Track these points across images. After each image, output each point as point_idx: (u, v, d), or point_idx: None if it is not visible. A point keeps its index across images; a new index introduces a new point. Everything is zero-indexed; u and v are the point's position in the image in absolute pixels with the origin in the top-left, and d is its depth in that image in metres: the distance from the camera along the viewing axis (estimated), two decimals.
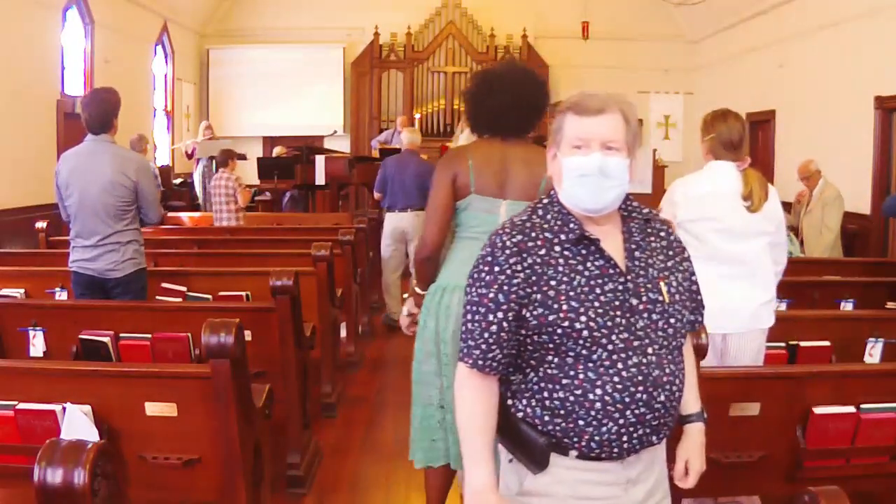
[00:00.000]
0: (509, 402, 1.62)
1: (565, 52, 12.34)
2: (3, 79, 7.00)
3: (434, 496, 2.72)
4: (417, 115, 12.26)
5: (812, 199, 6.11)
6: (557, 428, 1.55)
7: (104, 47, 8.96)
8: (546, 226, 1.61)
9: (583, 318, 1.53)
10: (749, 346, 2.84)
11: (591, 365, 1.53)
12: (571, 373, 1.54)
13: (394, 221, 6.21)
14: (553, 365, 1.55)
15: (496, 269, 1.58)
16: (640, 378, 1.53)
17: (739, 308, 2.82)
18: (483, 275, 1.59)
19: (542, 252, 1.57)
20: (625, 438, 1.54)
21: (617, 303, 1.55)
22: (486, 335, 1.57)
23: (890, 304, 4.13)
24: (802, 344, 3.15)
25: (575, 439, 1.55)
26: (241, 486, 2.42)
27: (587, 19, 11.48)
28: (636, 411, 1.53)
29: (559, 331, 1.53)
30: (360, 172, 9.49)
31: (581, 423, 1.54)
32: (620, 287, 1.56)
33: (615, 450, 1.55)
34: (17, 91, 7.22)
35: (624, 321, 1.54)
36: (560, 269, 1.56)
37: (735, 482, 2.52)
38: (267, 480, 2.74)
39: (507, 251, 1.58)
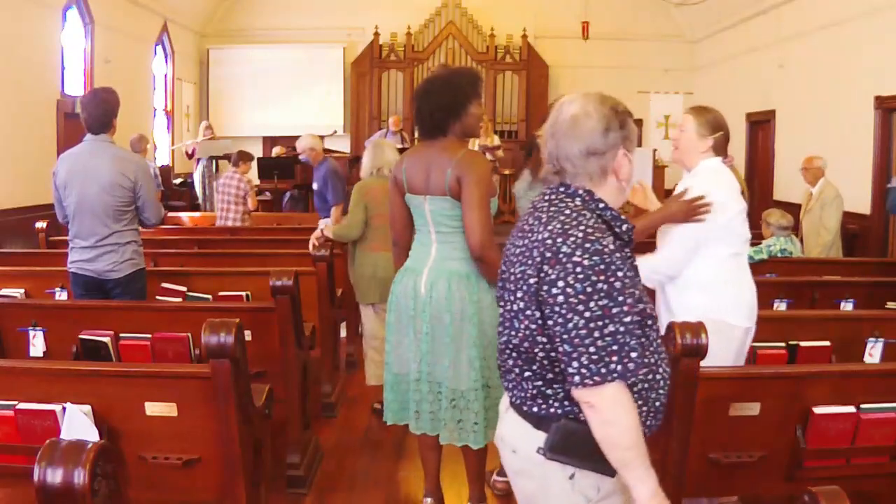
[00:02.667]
0: (566, 404, 1.59)
1: (565, 52, 12.34)
2: (3, 79, 7.01)
3: (427, 457, 3.01)
4: None
5: (812, 198, 6.11)
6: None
7: (104, 47, 8.96)
8: (601, 222, 1.61)
9: (650, 305, 1.65)
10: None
11: (651, 348, 1.64)
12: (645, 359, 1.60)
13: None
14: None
15: (618, 273, 1.52)
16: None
17: (746, 298, 2.86)
18: (606, 284, 1.50)
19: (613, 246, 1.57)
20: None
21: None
22: (635, 344, 1.51)
23: (890, 304, 4.13)
24: (802, 344, 3.14)
25: (647, 421, 1.63)
26: (241, 486, 2.42)
27: (587, 19, 11.48)
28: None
29: (649, 321, 1.64)
30: (360, 172, 9.48)
31: (650, 404, 1.64)
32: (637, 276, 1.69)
33: (659, 422, 1.70)
34: (17, 91, 7.22)
35: None
36: (623, 260, 1.58)
37: (735, 482, 2.52)
38: (267, 480, 2.74)
39: (615, 254, 1.54)
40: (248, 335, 2.96)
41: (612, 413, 1.51)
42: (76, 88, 8.51)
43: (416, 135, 3.64)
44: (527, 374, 1.62)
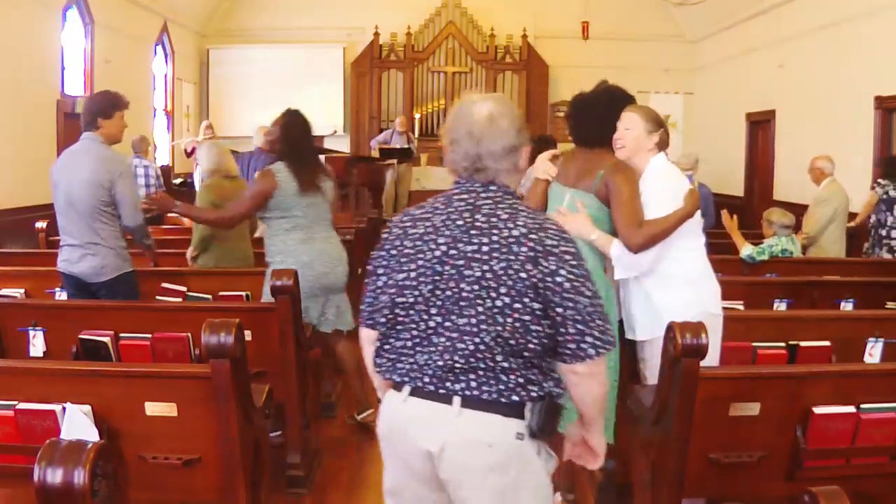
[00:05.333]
0: (546, 385, 1.70)
1: (565, 52, 12.34)
2: (3, 79, 7.00)
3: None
4: (417, 115, 12.27)
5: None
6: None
7: (104, 47, 8.96)
8: None
9: None
10: None
11: None
12: None
13: None
14: None
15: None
16: None
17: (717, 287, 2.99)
18: (585, 268, 1.74)
19: None
20: None
21: None
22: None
23: (890, 304, 4.13)
24: (802, 344, 3.14)
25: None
26: (241, 486, 2.42)
27: (587, 19, 11.48)
28: None
29: None
30: (360, 172, 9.50)
31: None
32: None
33: None
34: (17, 91, 7.22)
35: None
36: None
37: (735, 482, 2.52)
38: (267, 480, 2.74)
39: None
40: (248, 335, 2.96)
41: (603, 375, 1.75)
42: (76, 88, 8.51)
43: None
44: (508, 366, 1.66)
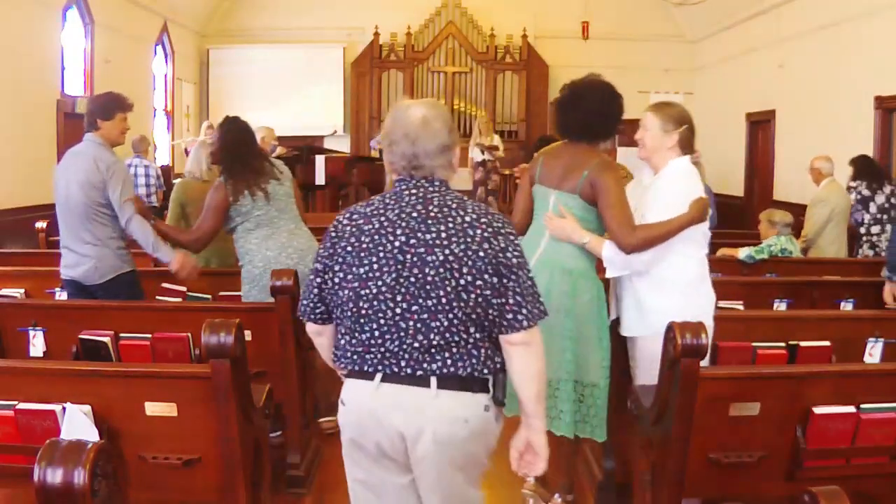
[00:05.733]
0: (501, 357, 1.89)
1: (565, 52, 12.34)
2: (3, 79, 7.01)
3: None
4: None
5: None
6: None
7: (104, 47, 8.96)
8: None
9: None
10: None
11: None
12: None
13: None
14: None
15: None
16: None
17: (714, 297, 2.95)
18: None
19: None
20: None
21: None
22: None
23: (890, 304, 4.12)
24: (802, 344, 3.14)
25: None
26: (241, 486, 2.42)
27: (587, 19, 11.49)
28: None
29: None
30: (360, 172, 9.50)
31: None
32: None
33: None
34: (17, 91, 7.22)
35: None
36: None
37: (735, 482, 2.52)
38: (267, 480, 2.74)
39: None
40: (248, 335, 2.96)
41: (540, 347, 1.88)
42: (76, 88, 8.51)
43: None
44: (479, 337, 1.84)
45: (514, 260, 1.84)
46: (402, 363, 1.83)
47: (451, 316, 1.81)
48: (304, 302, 1.99)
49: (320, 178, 9.26)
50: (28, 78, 7.46)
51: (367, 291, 1.84)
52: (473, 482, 1.94)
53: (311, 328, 2.05)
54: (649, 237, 2.74)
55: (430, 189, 1.90)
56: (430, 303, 1.81)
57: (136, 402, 2.39)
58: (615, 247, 2.78)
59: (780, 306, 4.08)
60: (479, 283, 1.81)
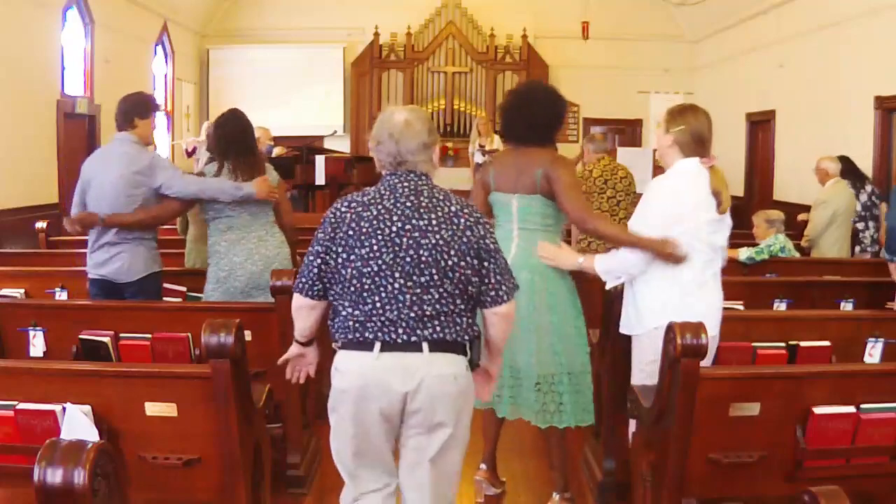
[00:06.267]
0: (477, 326, 2.24)
1: (565, 52, 12.33)
2: (3, 79, 7.00)
3: (490, 430, 3.34)
4: None
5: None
6: None
7: (104, 47, 8.96)
8: None
9: None
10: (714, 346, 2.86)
11: None
12: None
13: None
14: None
15: None
16: None
17: (720, 307, 2.86)
18: None
19: None
20: None
21: None
22: None
23: (890, 304, 4.13)
24: (802, 344, 3.15)
25: None
26: (241, 486, 2.42)
27: (587, 19, 11.47)
28: None
29: None
30: (360, 172, 9.50)
31: None
32: None
33: None
34: (17, 91, 7.22)
35: None
36: None
37: (735, 482, 2.52)
38: (267, 480, 2.74)
39: None
40: (248, 335, 2.96)
41: (513, 317, 2.26)
42: (76, 88, 8.51)
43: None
44: (462, 309, 2.16)
45: (492, 245, 2.18)
46: (399, 330, 2.11)
47: (441, 290, 2.12)
48: (303, 280, 2.22)
49: (320, 178, 9.26)
50: (28, 78, 7.45)
51: (369, 269, 2.11)
52: (460, 446, 2.23)
53: (304, 302, 2.26)
54: (603, 232, 3.01)
55: (420, 182, 2.19)
56: (423, 279, 2.11)
57: (136, 402, 2.39)
58: (603, 259, 2.84)
59: (780, 306, 4.08)
60: (462, 263, 2.13)
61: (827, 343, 3.17)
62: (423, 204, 2.15)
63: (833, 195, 5.89)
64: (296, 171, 9.20)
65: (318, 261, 2.18)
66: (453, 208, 2.16)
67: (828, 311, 3.80)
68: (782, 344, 3.14)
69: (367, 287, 2.11)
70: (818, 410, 2.40)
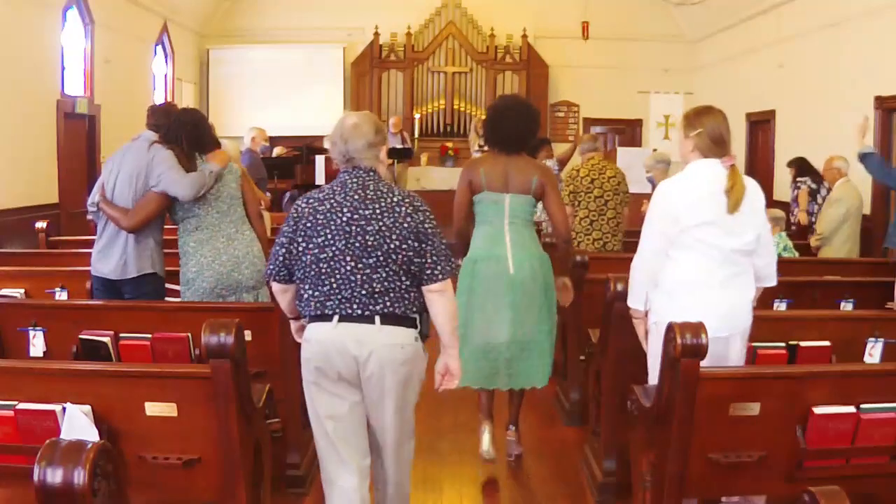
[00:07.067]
0: (422, 302, 2.51)
1: (565, 52, 12.34)
2: (3, 79, 7.00)
3: (486, 399, 3.70)
4: (417, 116, 12.27)
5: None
6: None
7: (104, 47, 8.96)
8: None
9: None
10: (742, 346, 2.84)
11: None
12: None
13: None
14: None
15: None
16: None
17: (743, 307, 2.80)
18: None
19: None
20: None
21: None
22: None
23: (890, 304, 4.13)
24: (802, 344, 3.14)
25: None
26: (241, 486, 2.42)
27: (587, 19, 11.48)
28: None
29: None
30: None
31: None
32: None
33: None
34: (17, 91, 7.21)
35: None
36: None
37: (735, 482, 2.52)
38: (267, 480, 2.74)
39: None
40: (248, 335, 2.96)
41: (451, 294, 2.53)
42: (76, 88, 8.51)
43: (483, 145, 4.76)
44: (408, 285, 2.45)
45: (430, 230, 2.47)
46: (354, 306, 2.43)
47: (388, 269, 2.42)
48: (271, 267, 2.54)
49: (320, 178, 9.27)
50: (28, 78, 7.45)
51: (325, 255, 2.43)
52: (409, 405, 2.55)
53: (276, 287, 2.60)
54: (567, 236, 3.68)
55: (367, 177, 2.50)
56: (371, 261, 2.42)
57: (136, 402, 2.39)
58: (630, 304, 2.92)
59: (780, 306, 4.08)
60: (404, 246, 2.43)
61: (827, 343, 3.17)
62: (369, 196, 2.47)
63: (845, 193, 5.92)
64: (296, 171, 9.20)
65: (283, 250, 2.50)
66: (395, 198, 2.47)
67: (828, 311, 3.80)
68: (782, 344, 3.14)
69: (324, 270, 2.43)
70: (818, 410, 2.40)
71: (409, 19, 12.27)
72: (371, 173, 2.52)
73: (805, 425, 2.42)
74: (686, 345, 2.29)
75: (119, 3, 9.44)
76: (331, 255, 2.42)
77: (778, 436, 2.44)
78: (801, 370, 2.63)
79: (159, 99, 11.11)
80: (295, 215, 2.51)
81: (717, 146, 2.76)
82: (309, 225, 2.46)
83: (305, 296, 2.48)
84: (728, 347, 2.76)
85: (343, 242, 2.42)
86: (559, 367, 4.90)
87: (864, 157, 4.79)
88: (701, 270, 2.74)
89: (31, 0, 7.49)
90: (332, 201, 2.46)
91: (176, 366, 2.95)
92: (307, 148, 9.50)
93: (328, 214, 2.45)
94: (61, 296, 4.14)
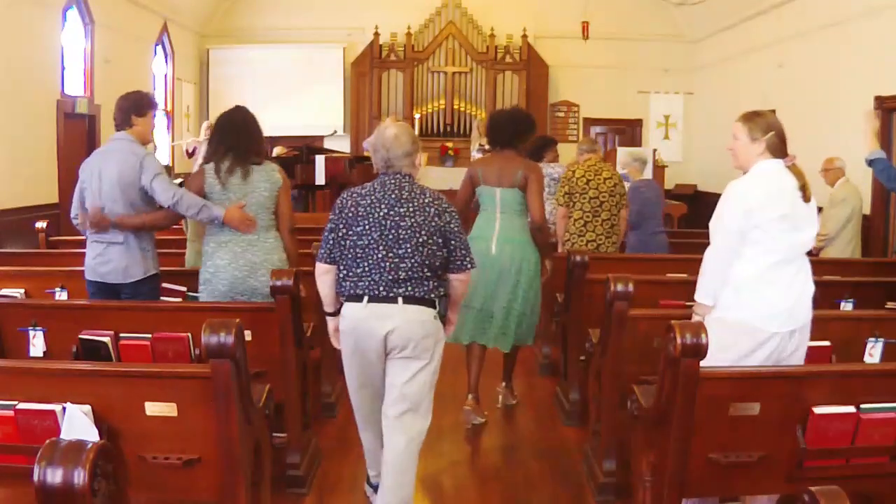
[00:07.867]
0: (443, 288, 2.94)
1: (565, 52, 12.34)
2: (3, 79, 7.01)
3: (473, 364, 4.27)
4: (417, 116, 12.26)
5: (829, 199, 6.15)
6: None
7: (104, 47, 8.97)
8: None
9: None
10: (804, 340, 2.84)
11: None
12: None
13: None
14: None
15: None
16: None
17: (805, 303, 2.82)
18: None
19: None
20: None
21: None
22: None
23: (890, 304, 4.13)
24: None
25: None
26: (241, 486, 2.42)
27: (587, 19, 11.47)
28: None
29: None
30: (359, 172, 9.50)
31: None
32: None
33: None
34: (17, 91, 7.22)
35: None
36: None
37: (735, 482, 2.52)
38: (267, 480, 2.74)
39: None
40: (248, 335, 2.96)
41: (469, 281, 3.05)
42: (76, 88, 8.51)
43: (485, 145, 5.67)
44: (429, 275, 2.85)
45: (455, 228, 2.90)
46: (381, 288, 2.82)
47: (413, 260, 2.82)
48: (322, 251, 2.92)
49: (320, 178, 9.26)
50: (28, 78, 7.46)
51: (362, 242, 2.82)
52: (429, 379, 2.91)
53: (322, 268, 2.94)
54: (543, 226, 4.24)
55: (403, 180, 2.90)
56: (400, 251, 2.81)
57: (136, 402, 2.39)
58: (698, 287, 2.89)
59: None
60: (430, 241, 2.84)
61: (827, 343, 3.17)
62: (404, 196, 2.86)
63: (849, 193, 5.92)
64: (296, 171, 9.19)
65: (332, 235, 2.88)
66: (426, 200, 2.88)
67: (828, 311, 3.79)
68: None
69: (359, 255, 2.83)
70: (818, 410, 2.40)
71: (409, 19, 12.28)
72: (407, 177, 2.92)
73: (805, 425, 2.42)
74: (686, 345, 2.29)
75: (119, 2, 9.44)
76: (366, 242, 2.82)
77: (778, 436, 2.44)
78: (802, 370, 2.63)
79: (159, 100, 11.12)
80: (339, 206, 2.90)
81: (784, 145, 2.93)
82: (350, 215, 2.85)
83: (342, 276, 2.88)
84: (791, 342, 2.77)
85: (378, 233, 2.81)
86: (558, 366, 4.91)
87: (872, 162, 4.79)
88: (768, 267, 2.76)
89: (31, 0, 7.49)
90: (373, 197, 2.86)
91: (176, 366, 2.95)
92: (307, 148, 9.50)
93: (368, 208, 2.84)
94: (61, 296, 4.14)
